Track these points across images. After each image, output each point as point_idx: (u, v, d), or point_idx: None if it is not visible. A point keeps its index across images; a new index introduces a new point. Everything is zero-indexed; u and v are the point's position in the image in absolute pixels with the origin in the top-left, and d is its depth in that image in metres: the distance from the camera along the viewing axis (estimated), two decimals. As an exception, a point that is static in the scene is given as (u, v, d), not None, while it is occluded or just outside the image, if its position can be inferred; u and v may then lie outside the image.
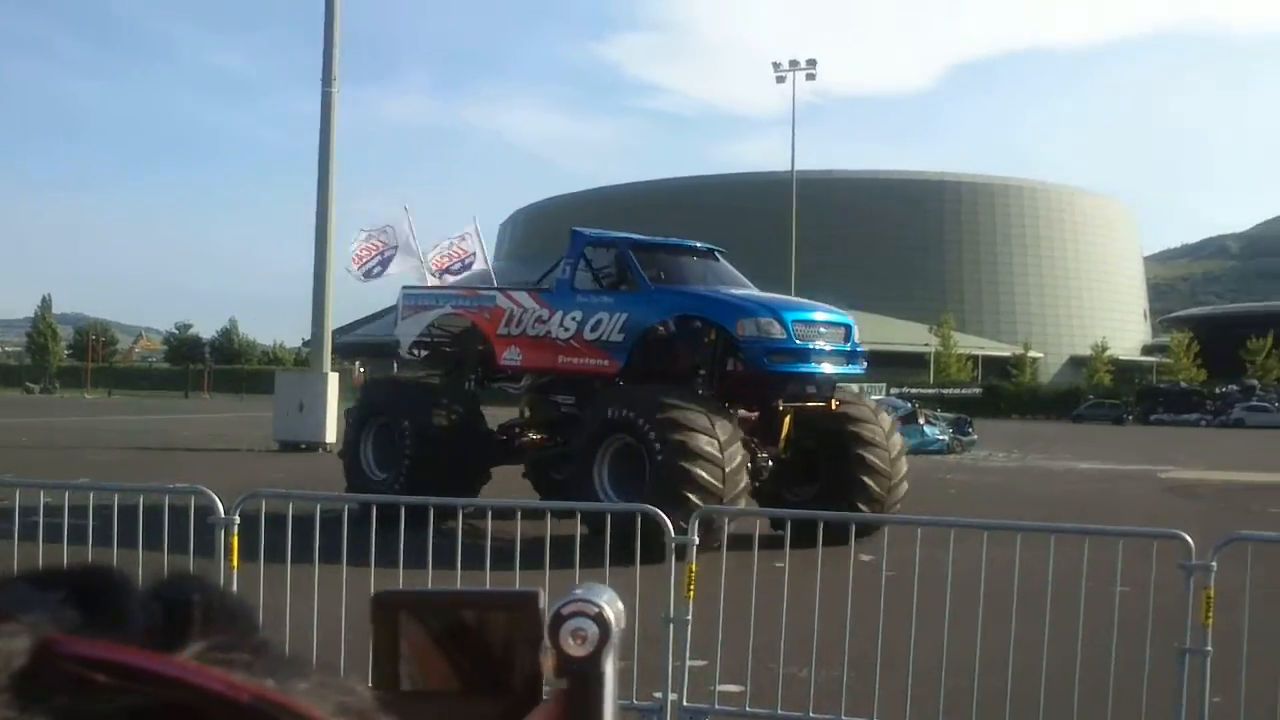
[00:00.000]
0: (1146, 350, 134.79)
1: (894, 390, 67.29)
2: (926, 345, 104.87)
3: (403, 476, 14.43)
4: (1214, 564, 5.53)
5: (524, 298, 15.55)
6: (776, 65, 69.75)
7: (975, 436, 39.28)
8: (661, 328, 14.34)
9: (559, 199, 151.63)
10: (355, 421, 16.26)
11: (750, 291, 15.15)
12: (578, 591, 0.82)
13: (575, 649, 0.79)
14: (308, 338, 37.06)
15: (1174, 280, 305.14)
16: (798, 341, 13.74)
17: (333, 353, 32.49)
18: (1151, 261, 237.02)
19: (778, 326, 13.64)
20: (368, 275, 18.32)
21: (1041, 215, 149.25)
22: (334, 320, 32.13)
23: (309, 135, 36.97)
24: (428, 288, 17.48)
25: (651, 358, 14.20)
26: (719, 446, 12.34)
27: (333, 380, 29.58)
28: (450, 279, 18.26)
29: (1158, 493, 23.45)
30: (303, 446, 28.09)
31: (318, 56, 30.01)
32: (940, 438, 36.19)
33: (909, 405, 38.83)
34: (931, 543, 6.53)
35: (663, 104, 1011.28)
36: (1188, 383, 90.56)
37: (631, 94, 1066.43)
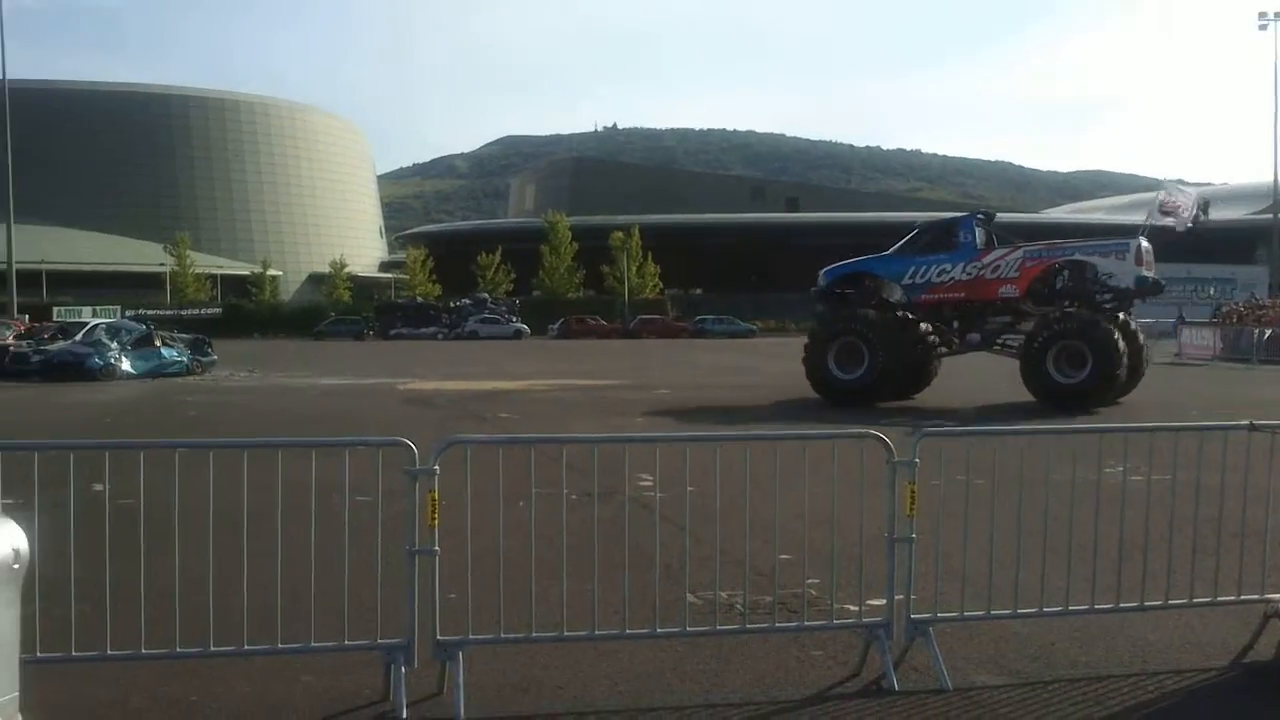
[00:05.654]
0: (384, 267, 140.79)
1: (129, 313, 64.08)
2: (162, 265, 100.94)
3: None
4: (437, 467, 5.70)
5: None
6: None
7: (215, 356, 38.97)
8: None
9: None
10: None
11: None
12: None
13: None
14: None
15: (408, 198, 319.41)
16: None
17: None
18: (385, 180, 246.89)
19: None
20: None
21: (274, 133, 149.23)
22: None
23: None
24: None
25: None
26: None
27: None
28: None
29: (397, 404, 24.47)
30: None
31: None
32: (179, 359, 36.18)
33: (145, 328, 37.54)
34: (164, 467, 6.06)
35: None
36: (424, 297, 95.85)
37: None
